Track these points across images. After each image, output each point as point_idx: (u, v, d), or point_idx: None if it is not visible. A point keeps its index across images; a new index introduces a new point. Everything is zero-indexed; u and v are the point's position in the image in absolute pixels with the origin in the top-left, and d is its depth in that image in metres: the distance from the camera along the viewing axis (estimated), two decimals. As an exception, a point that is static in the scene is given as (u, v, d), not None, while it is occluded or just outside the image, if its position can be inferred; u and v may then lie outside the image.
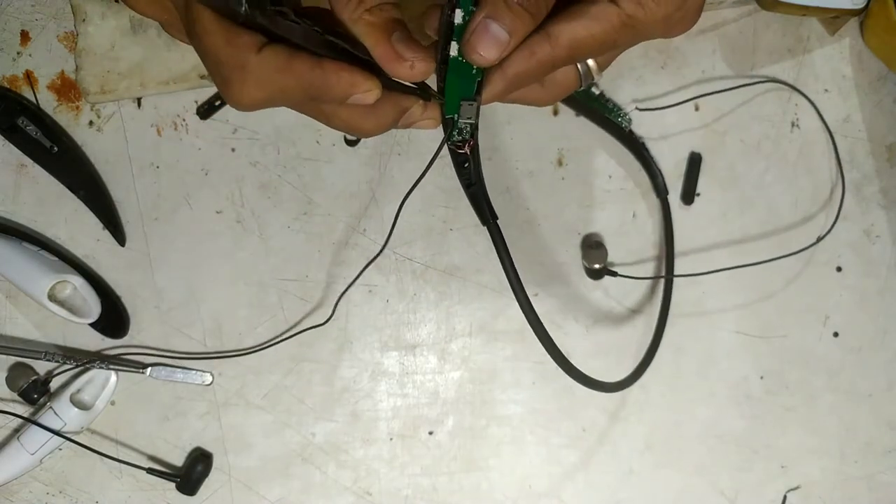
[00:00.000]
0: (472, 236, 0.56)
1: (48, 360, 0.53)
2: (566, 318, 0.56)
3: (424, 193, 0.55)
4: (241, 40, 0.33)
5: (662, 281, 0.55)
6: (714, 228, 0.56)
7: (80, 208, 0.54)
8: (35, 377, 0.54)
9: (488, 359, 0.56)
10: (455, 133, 0.37)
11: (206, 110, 0.55)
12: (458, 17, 0.32)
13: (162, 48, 0.53)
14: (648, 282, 0.56)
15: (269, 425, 0.55)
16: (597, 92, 0.55)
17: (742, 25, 0.56)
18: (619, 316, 0.56)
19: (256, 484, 0.55)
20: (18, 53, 0.55)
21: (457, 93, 0.35)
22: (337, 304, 0.54)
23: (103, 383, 0.54)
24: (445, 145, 0.38)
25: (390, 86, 0.35)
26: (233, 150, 0.55)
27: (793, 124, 0.57)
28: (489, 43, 0.32)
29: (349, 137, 0.55)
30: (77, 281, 0.52)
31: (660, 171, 0.56)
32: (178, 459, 0.55)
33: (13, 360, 0.54)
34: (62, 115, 0.55)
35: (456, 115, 0.36)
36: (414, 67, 0.33)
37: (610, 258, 0.56)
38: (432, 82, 0.36)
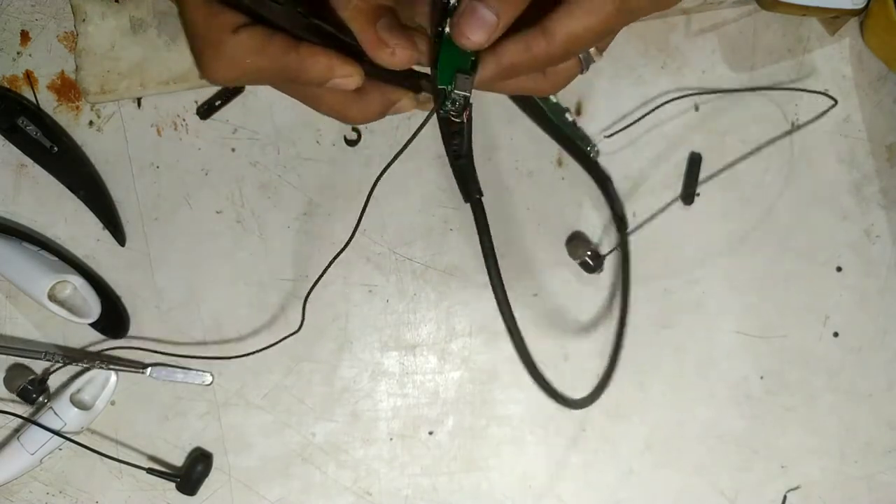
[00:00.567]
0: (472, 236, 0.55)
1: (48, 360, 0.53)
2: (566, 318, 0.56)
3: (424, 193, 0.55)
4: (219, 19, 0.33)
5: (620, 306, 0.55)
6: (714, 228, 0.56)
7: (80, 208, 0.54)
8: (32, 377, 0.54)
9: (488, 359, 0.56)
10: (448, 103, 0.36)
11: (206, 110, 0.55)
12: None
13: (162, 48, 0.53)
14: (646, 287, 0.56)
15: (269, 425, 0.55)
16: (570, 119, 0.55)
17: (742, 25, 0.56)
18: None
19: (256, 484, 0.55)
20: (18, 53, 0.55)
21: (451, 63, 0.34)
22: (304, 308, 0.52)
23: (103, 383, 0.54)
24: (434, 117, 0.37)
25: (380, 74, 0.35)
26: (233, 150, 0.55)
27: (793, 124, 0.57)
28: (477, 25, 0.32)
29: (349, 137, 0.55)
30: (77, 281, 0.52)
31: (622, 206, 0.55)
32: (178, 459, 0.55)
33: (12, 360, 0.54)
34: (62, 115, 0.55)
35: (450, 87, 0.35)
36: (395, 54, 0.33)
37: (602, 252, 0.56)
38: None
